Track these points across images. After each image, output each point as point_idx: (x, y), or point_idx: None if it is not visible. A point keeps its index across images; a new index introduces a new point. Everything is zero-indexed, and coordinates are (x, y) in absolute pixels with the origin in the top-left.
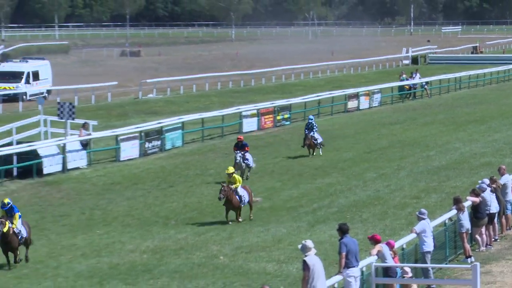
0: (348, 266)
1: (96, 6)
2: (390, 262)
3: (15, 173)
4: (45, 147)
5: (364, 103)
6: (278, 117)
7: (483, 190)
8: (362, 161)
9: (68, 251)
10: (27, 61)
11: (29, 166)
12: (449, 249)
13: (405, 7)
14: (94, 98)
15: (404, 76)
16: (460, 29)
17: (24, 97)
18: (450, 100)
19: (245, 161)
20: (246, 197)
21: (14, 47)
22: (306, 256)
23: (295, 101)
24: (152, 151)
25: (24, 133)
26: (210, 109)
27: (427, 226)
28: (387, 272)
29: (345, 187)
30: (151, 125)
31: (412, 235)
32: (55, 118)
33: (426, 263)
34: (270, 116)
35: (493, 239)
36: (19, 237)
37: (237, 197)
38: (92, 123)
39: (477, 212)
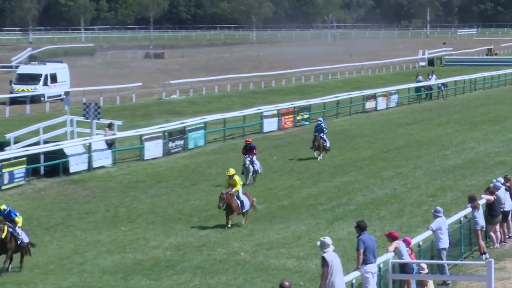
0: (365, 262)
1: (121, 9)
2: (407, 258)
3: (42, 171)
4: (71, 147)
5: (381, 103)
6: (298, 117)
7: (498, 189)
8: (380, 160)
9: (94, 247)
10: (45, 64)
11: (55, 165)
12: (464, 246)
13: (421, 10)
14: (119, 99)
15: (420, 77)
16: (475, 32)
17: (42, 99)
18: (465, 101)
19: (253, 165)
20: (246, 205)
21: (41, 49)
22: (324, 252)
23: (314, 102)
24: (175, 150)
25: (51, 133)
26: (231, 110)
27: (443, 224)
28: (404, 268)
29: (363, 185)
30: (174, 125)
31: (428, 232)
32: (81, 118)
33: (442, 259)
34: (290, 116)
35: (507, 236)
36: (19, 241)
37: (238, 201)
38: (117, 123)
39: (491, 210)
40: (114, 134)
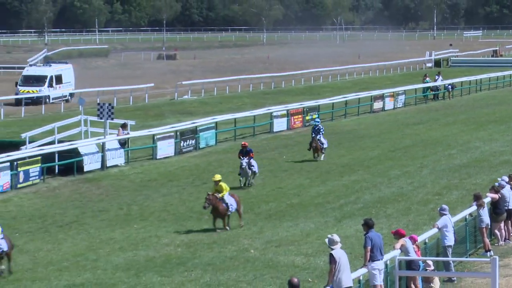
0: (373, 259)
1: (135, 11)
2: (413, 255)
3: (57, 170)
4: (85, 146)
5: (389, 104)
6: (307, 117)
7: (502, 187)
8: (387, 159)
9: (107, 244)
10: (50, 65)
11: (70, 164)
12: (469, 243)
13: (428, 13)
14: (132, 99)
15: (428, 79)
16: (480, 34)
17: (48, 100)
18: (471, 101)
19: (250, 167)
20: (233, 205)
21: (56, 51)
22: (332, 249)
23: (323, 102)
24: (187, 149)
25: (65, 133)
26: (242, 110)
27: (449, 222)
28: (410, 265)
29: (370, 184)
30: (186, 125)
31: (434, 230)
32: (95, 118)
33: (448, 256)
34: (299, 116)
35: (511, 234)
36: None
37: (224, 204)
38: (130, 123)
39: (496, 208)
40: (128, 134)
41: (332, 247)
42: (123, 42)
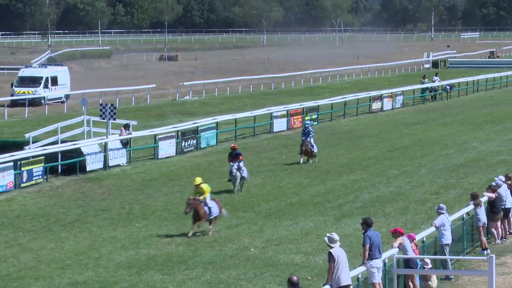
0: (371, 257)
1: (137, 13)
2: (411, 254)
3: (59, 170)
4: (88, 146)
5: (387, 104)
6: (307, 118)
7: (499, 186)
8: (385, 159)
9: (109, 243)
10: (46, 67)
11: (73, 163)
12: (466, 242)
13: (426, 15)
14: (134, 100)
15: (426, 80)
16: (478, 35)
17: (43, 101)
18: (468, 102)
19: (240, 172)
20: (215, 210)
21: (60, 52)
22: (331, 248)
23: (323, 103)
24: (188, 149)
25: (68, 133)
26: (242, 110)
27: (446, 220)
28: (408, 263)
29: (369, 183)
30: (187, 125)
31: (432, 229)
32: (98, 119)
33: (445, 255)
34: (299, 116)
35: (508, 233)
36: None
37: (205, 208)
38: (132, 123)
39: (493, 207)
40: (130, 134)
41: (331, 245)
42: (126, 44)
